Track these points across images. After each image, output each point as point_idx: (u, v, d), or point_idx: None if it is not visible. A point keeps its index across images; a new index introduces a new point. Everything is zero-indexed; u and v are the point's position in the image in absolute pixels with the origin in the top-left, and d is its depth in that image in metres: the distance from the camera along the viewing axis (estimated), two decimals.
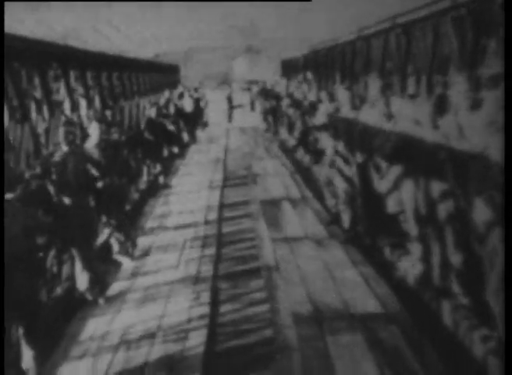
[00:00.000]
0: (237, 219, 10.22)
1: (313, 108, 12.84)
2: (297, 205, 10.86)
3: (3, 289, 5.31)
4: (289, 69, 23.12)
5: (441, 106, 5.87)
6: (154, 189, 12.95)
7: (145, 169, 13.25)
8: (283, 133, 20.49)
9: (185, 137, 20.00)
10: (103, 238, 8.28)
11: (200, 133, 22.93)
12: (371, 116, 7.80)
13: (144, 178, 13.18)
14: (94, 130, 7.90)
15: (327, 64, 13.99)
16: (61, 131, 6.43)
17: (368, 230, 8.26)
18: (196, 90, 24.15)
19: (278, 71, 39.70)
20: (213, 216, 10.47)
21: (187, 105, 20.07)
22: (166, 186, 13.21)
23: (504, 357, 3.78)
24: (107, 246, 8.20)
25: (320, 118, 9.93)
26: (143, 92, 15.14)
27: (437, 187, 5.87)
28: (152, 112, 13.57)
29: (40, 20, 48.41)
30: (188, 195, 12.31)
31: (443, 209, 5.83)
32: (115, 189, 8.08)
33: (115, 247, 8.15)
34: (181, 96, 21.01)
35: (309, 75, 15.71)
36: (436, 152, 5.72)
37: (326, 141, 9.10)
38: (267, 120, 22.63)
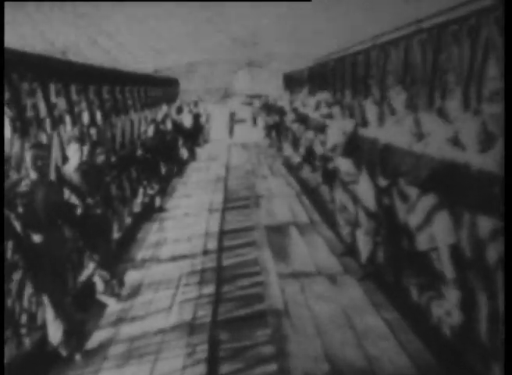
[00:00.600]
0: (239, 248, 9.10)
1: (323, 126, 11.76)
2: (306, 232, 9.73)
3: (3, 289, 5.19)
4: (292, 82, 22.11)
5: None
6: (150, 212, 11.84)
7: (140, 190, 12.16)
8: (287, 149, 19.40)
9: (184, 154, 18.93)
10: (85, 275, 7.18)
11: (200, 150, 21.86)
12: (396, 134, 6.70)
13: (139, 200, 12.08)
14: (73, 152, 6.80)
15: (336, 76, 12.94)
16: (28, 155, 5.34)
17: (391, 266, 7.14)
18: (196, 104, 23.09)
19: (280, 85, 38.77)
20: (212, 244, 9.34)
21: (186, 121, 19.00)
22: (162, 209, 12.10)
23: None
24: (89, 285, 7.09)
25: (334, 136, 8.83)
26: (138, 107, 14.09)
27: (485, 223, 4.76)
28: (150, 130, 12.49)
29: (40, 34, 47.58)
30: (185, 220, 11.20)
31: (493, 249, 4.72)
32: (98, 219, 6.97)
33: (99, 286, 7.03)
34: (180, 111, 19.95)
35: (327, 96, 14.78)
36: (485, 181, 4.61)
37: (342, 163, 8.00)
38: (270, 136, 21.56)
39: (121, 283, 7.30)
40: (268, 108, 21.23)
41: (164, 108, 17.24)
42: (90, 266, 6.99)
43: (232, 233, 10.02)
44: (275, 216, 11.08)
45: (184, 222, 11.01)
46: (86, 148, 7.21)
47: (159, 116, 16.50)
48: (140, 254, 9.13)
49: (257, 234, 9.80)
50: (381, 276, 7.27)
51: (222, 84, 42.97)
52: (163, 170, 14.16)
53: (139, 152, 12.08)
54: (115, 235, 9.37)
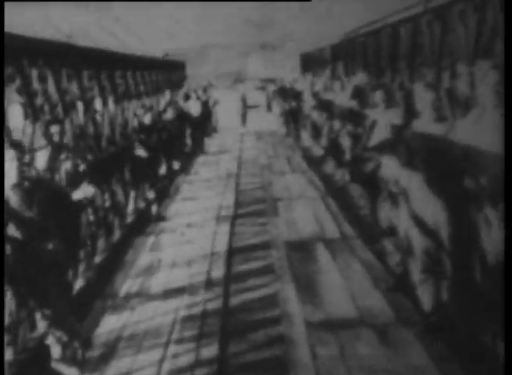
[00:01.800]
0: (253, 277, 6.96)
1: (357, 116, 9.54)
2: (337, 252, 7.56)
3: (3, 289, 4.54)
4: (311, 64, 19.78)
5: None
6: (145, 222, 9.74)
7: (132, 195, 10.04)
8: (306, 139, 17.18)
9: (189, 146, 16.77)
10: (37, 335, 5.09)
11: (209, 141, 19.70)
12: (475, 132, 4.52)
13: (131, 207, 9.98)
14: (9, 162, 4.69)
15: (369, 54, 10.69)
16: None
17: (466, 317, 4.98)
18: (205, 90, 20.89)
19: (296, 68, 36.38)
20: (218, 271, 7.21)
21: (194, 109, 16.82)
22: (161, 217, 9.98)
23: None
24: (42, 349, 5.00)
25: (380, 132, 6.72)
26: (133, 94, 11.96)
27: None
28: (147, 119, 10.32)
29: (45, 18, 45.44)
30: (187, 233, 9.06)
31: None
32: (49, 256, 4.86)
33: (55, 351, 4.93)
34: (187, 97, 17.77)
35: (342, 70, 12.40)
36: None
37: (391, 170, 5.85)
38: (287, 124, 19.33)
39: (86, 345, 5.18)
40: (285, 92, 18.97)
41: (167, 94, 15.07)
42: (41, 325, 4.88)
43: (244, 252, 7.88)
44: (297, 227, 8.91)
45: (185, 236, 8.88)
46: (31, 156, 5.10)
47: (161, 104, 14.35)
48: (126, 285, 7.02)
49: (276, 255, 7.65)
50: (452, 331, 5.10)
51: (235, 68, 40.75)
52: (163, 168, 12.03)
53: (135, 148, 9.94)
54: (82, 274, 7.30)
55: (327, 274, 6.82)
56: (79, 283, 6.77)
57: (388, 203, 6.12)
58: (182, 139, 15.37)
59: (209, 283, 6.82)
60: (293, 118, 18.49)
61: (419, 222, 5.00)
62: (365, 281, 6.51)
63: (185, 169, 14.48)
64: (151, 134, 10.09)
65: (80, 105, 8.22)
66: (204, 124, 17.98)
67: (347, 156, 11.10)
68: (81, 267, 7.35)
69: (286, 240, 8.28)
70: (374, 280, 6.51)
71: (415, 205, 5.05)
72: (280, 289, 6.49)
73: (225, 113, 24.45)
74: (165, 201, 11.32)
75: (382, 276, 6.57)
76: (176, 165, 12.73)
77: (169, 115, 12.73)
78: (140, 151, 9.60)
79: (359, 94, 9.43)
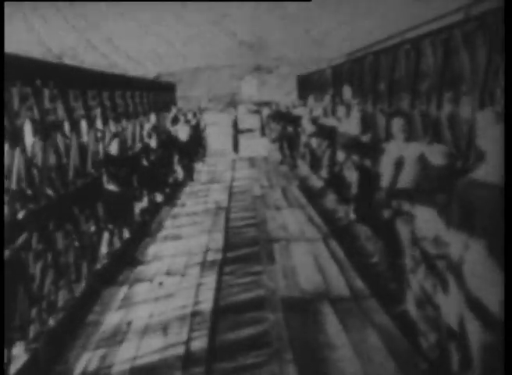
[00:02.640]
0: (243, 352, 5.47)
1: (367, 148, 8.13)
2: (349, 319, 6.07)
3: (3, 289, 4.63)
4: (309, 87, 18.41)
5: None
6: (118, 268, 8.26)
7: (105, 237, 8.58)
8: (303, 167, 15.77)
9: (179, 173, 15.34)
10: None
11: (199, 167, 18.28)
12: None
13: (104, 250, 8.51)
14: None
15: (379, 76, 9.28)
16: None
17: None
18: (195, 114, 19.49)
19: (293, 91, 35.37)
20: (200, 342, 5.72)
21: (182, 133, 15.41)
22: (135, 262, 8.49)
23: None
24: None
25: (409, 171, 5.34)
26: (109, 118, 10.52)
27: None
28: (113, 148, 8.80)
29: (36, 38, 44.37)
30: (166, 282, 7.58)
31: None
32: None
33: None
34: (175, 121, 16.36)
35: (347, 93, 10.97)
36: None
37: (427, 224, 4.44)
38: (282, 150, 17.91)
39: None
40: (280, 117, 17.59)
41: (152, 118, 13.64)
42: None
43: (233, 314, 6.39)
44: (297, 279, 7.42)
45: (164, 288, 7.39)
46: None
47: (146, 128, 12.93)
48: (82, 360, 5.51)
49: (272, 319, 6.16)
50: None
51: (228, 91, 39.66)
52: (144, 202, 10.58)
53: (104, 181, 8.48)
54: None
55: (337, 351, 5.33)
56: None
57: (421, 268, 4.67)
58: (168, 167, 13.92)
59: (187, 360, 5.32)
60: (289, 145, 17.10)
61: (477, 308, 3.54)
62: (387, 363, 5.03)
63: (170, 200, 13.01)
64: (121, 165, 8.61)
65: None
66: (193, 150, 16.55)
67: (353, 192, 9.67)
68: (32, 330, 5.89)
69: (284, 296, 6.79)
70: (398, 361, 5.03)
71: (471, 283, 3.59)
72: (278, 373, 5.00)
73: (218, 137, 23.16)
74: (144, 240, 9.83)
75: (409, 357, 5.09)
76: (159, 197, 11.25)
77: (152, 140, 11.28)
78: (111, 185, 8.13)
79: (369, 123, 7.95)
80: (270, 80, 39.37)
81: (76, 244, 7.65)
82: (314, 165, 13.78)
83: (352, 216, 9.81)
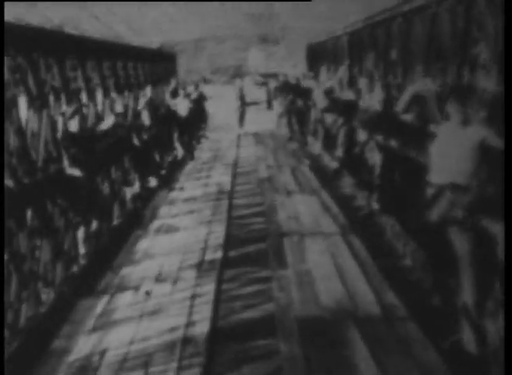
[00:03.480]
0: None
1: (415, 131, 6.57)
2: (383, 351, 4.64)
3: (3, 288, 4.60)
4: (320, 57, 16.75)
5: None
6: (94, 275, 6.84)
7: (81, 233, 7.14)
8: (314, 145, 14.26)
9: (179, 152, 13.87)
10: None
11: (201, 143, 16.82)
12: None
13: (82, 250, 7.09)
14: None
15: (410, 42, 7.68)
16: None
17: None
18: (196, 86, 17.87)
19: (300, 62, 33.68)
20: None
21: (181, 108, 13.88)
22: (116, 269, 7.08)
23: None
24: None
25: (467, 164, 3.90)
26: (102, 89, 9.00)
27: None
28: (73, 126, 7.16)
29: (35, 7, 42.69)
30: (153, 292, 6.16)
31: None
32: None
33: None
34: (175, 94, 14.81)
35: (369, 63, 9.29)
36: None
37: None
38: (290, 126, 16.37)
39: None
40: (289, 89, 15.98)
41: (147, 91, 12.10)
42: None
43: (235, 342, 4.97)
44: (315, 290, 5.99)
45: (151, 300, 5.98)
46: None
47: (141, 102, 11.41)
48: None
49: (285, 351, 4.75)
50: None
51: (233, 63, 38.00)
52: (136, 187, 9.15)
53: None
54: None
55: None
56: None
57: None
58: (165, 146, 12.45)
59: None
60: (299, 120, 15.55)
61: None
62: None
63: (167, 183, 11.55)
64: (87, 145, 7.09)
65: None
66: (194, 126, 15.04)
67: (376, 177, 8.18)
68: None
69: (300, 316, 5.37)
70: None
71: None
72: None
73: (222, 111, 21.62)
74: (134, 233, 8.41)
75: None
76: (153, 181, 9.78)
77: (145, 117, 9.76)
78: (73, 170, 6.64)
79: (419, 103, 6.38)
80: (277, 51, 37.72)
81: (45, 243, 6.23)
82: (328, 143, 12.26)
83: (375, 205, 8.34)
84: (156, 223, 8.93)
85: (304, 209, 9.17)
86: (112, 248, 7.67)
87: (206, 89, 20.71)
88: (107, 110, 8.99)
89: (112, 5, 44.15)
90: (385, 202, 8.05)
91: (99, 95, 9.58)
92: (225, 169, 12.88)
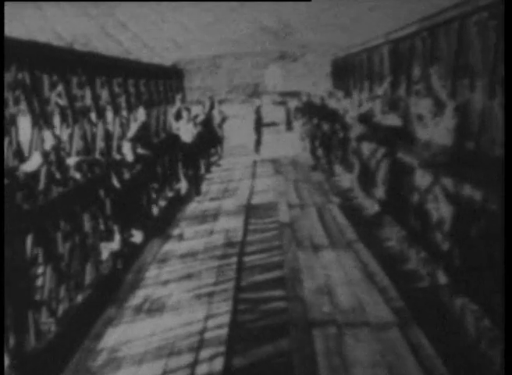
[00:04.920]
0: None
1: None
2: None
3: (3, 288, 4.41)
4: (348, 73, 14.23)
5: None
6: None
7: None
8: (343, 175, 11.77)
9: (182, 186, 11.45)
10: None
11: (211, 171, 14.43)
12: None
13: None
14: None
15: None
16: None
17: None
18: (210, 106, 15.39)
19: (320, 80, 31.37)
20: None
21: (185, 133, 11.47)
22: None
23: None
24: None
25: None
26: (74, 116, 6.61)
27: None
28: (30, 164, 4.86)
29: (47, 23, 40.95)
30: None
31: None
32: None
33: None
34: (178, 117, 12.40)
35: (434, 79, 6.78)
36: None
37: None
38: (314, 152, 13.89)
39: None
40: (313, 110, 13.49)
41: (140, 114, 9.68)
42: None
43: None
44: None
45: None
46: None
47: (131, 130, 8.99)
48: None
49: None
50: None
51: (251, 81, 35.79)
52: (116, 243, 6.71)
53: None
54: None
55: None
56: None
57: None
58: (164, 180, 10.03)
59: None
60: (324, 146, 13.07)
61: None
62: None
63: (164, 228, 9.12)
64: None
65: None
66: (201, 154, 12.61)
67: (444, 241, 5.65)
68: None
69: None
70: None
71: None
72: None
73: (237, 132, 19.20)
74: (104, 314, 5.94)
75: None
76: (139, 235, 7.31)
77: (127, 150, 7.30)
78: None
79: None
80: (295, 68, 35.53)
81: None
82: (366, 180, 9.73)
83: (442, 278, 5.80)
84: (138, 296, 6.46)
85: (338, 276, 6.65)
86: (62, 347, 5.22)
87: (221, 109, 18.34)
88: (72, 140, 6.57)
89: (126, 21, 42.25)
90: (458, 279, 5.52)
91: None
92: (237, 209, 10.41)
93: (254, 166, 15.55)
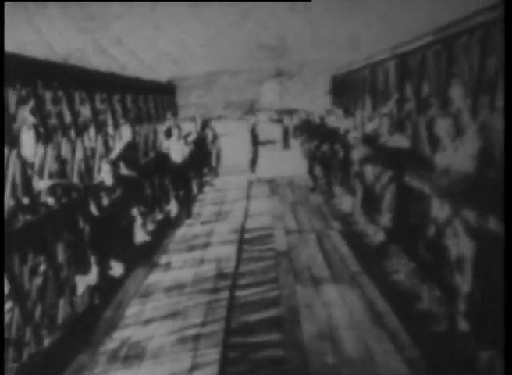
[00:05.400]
0: None
1: None
2: None
3: (3, 288, 4.56)
4: (349, 90, 13.53)
5: None
6: None
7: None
8: (343, 197, 11.05)
9: (172, 208, 10.70)
10: None
11: (204, 191, 13.67)
12: None
13: None
14: None
15: None
16: None
17: None
18: (204, 125, 14.67)
19: (317, 98, 30.85)
20: None
21: (176, 153, 10.73)
22: None
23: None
24: None
25: None
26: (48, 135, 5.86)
27: None
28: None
29: (41, 39, 40.45)
30: None
31: None
32: None
33: None
34: (169, 134, 11.67)
35: (456, 93, 6.03)
36: None
37: None
38: (312, 174, 13.15)
39: None
40: (311, 130, 12.77)
41: (126, 132, 8.94)
42: None
43: None
44: None
45: None
46: None
47: (115, 150, 8.28)
48: None
49: None
50: None
51: (247, 97, 35.20)
52: (92, 277, 5.96)
53: None
54: None
55: None
56: None
57: None
58: (151, 204, 9.27)
59: None
60: (324, 166, 12.34)
61: None
62: None
63: (149, 256, 8.34)
64: None
65: None
66: (192, 174, 11.87)
67: (464, 282, 4.91)
68: None
69: None
70: None
71: None
72: None
73: (232, 150, 18.49)
74: (74, 363, 5.15)
75: None
76: (118, 268, 6.53)
77: (106, 174, 6.54)
78: None
79: None
80: (292, 85, 35.01)
81: None
82: (370, 205, 8.98)
83: (463, 325, 5.04)
84: (115, 339, 5.67)
85: (341, 317, 5.88)
86: None
87: (216, 126, 17.66)
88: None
89: (122, 36, 41.71)
90: (482, 327, 4.76)
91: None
92: (230, 234, 9.64)
93: (249, 186, 14.80)
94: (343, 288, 6.73)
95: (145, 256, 8.39)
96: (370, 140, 8.04)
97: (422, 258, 7.01)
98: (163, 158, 10.78)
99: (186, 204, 10.92)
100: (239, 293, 6.81)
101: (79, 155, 6.89)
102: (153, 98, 12.19)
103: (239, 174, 16.75)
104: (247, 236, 9.54)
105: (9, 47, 5.15)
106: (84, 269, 6.28)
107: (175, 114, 14.41)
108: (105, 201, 6.26)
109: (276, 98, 34.75)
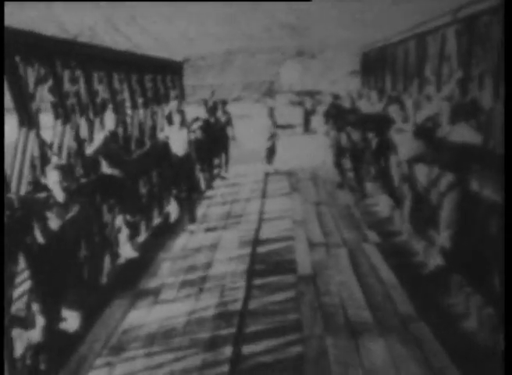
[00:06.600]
0: None
1: None
2: None
3: (3, 288, 4.05)
4: (386, 69, 11.29)
5: None
6: None
7: None
8: (380, 198, 8.97)
9: (172, 211, 8.74)
10: None
11: (213, 186, 11.69)
12: None
13: None
14: None
15: None
16: None
17: None
18: (213, 107, 12.56)
19: (341, 78, 28.91)
20: None
21: (175, 144, 8.71)
22: None
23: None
24: None
25: None
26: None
27: None
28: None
29: (52, 16, 38.73)
30: None
31: None
32: None
33: None
34: (171, 120, 9.65)
35: None
36: None
37: None
38: (340, 168, 11.06)
39: None
40: (341, 115, 10.61)
41: (107, 120, 6.93)
42: None
43: None
44: None
45: None
46: None
47: (93, 146, 6.31)
48: None
49: None
50: None
51: (265, 78, 33.26)
52: (31, 337, 3.94)
53: None
54: None
55: None
56: None
57: None
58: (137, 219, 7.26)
59: None
60: (355, 160, 10.26)
61: None
62: None
63: (135, 278, 6.38)
64: None
65: None
66: (196, 169, 9.86)
67: None
68: None
69: None
70: None
71: None
72: None
73: (250, 135, 16.38)
74: None
75: None
76: (74, 320, 4.53)
77: (54, 186, 4.55)
78: None
79: None
80: (313, 66, 32.96)
81: None
82: (421, 217, 6.92)
83: None
84: None
85: None
86: None
87: (233, 108, 15.53)
88: None
89: (136, 16, 39.69)
90: None
91: None
92: (239, 247, 7.64)
93: (266, 179, 12.75)
94: (391, 341, 4.72)
95: (130, 280, 6.44)
96: (423, 132, 5.96)
97: (497, 295, 5.00)
98: (161, 149, 8.78)
99: (189, 206, 8.94)
100: (246, 349, 4.83)
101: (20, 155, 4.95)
102: (152, 78, 10.14)
103: (254, 164, 14.69)
104: (260, 250, 7.54)
105: (15, 21, 4.99)
106: (24, 322, 4.34)
107: (181, 96, 12.35)
108: (55, 224, 4.29)
109: (296, 79, 32.72)
